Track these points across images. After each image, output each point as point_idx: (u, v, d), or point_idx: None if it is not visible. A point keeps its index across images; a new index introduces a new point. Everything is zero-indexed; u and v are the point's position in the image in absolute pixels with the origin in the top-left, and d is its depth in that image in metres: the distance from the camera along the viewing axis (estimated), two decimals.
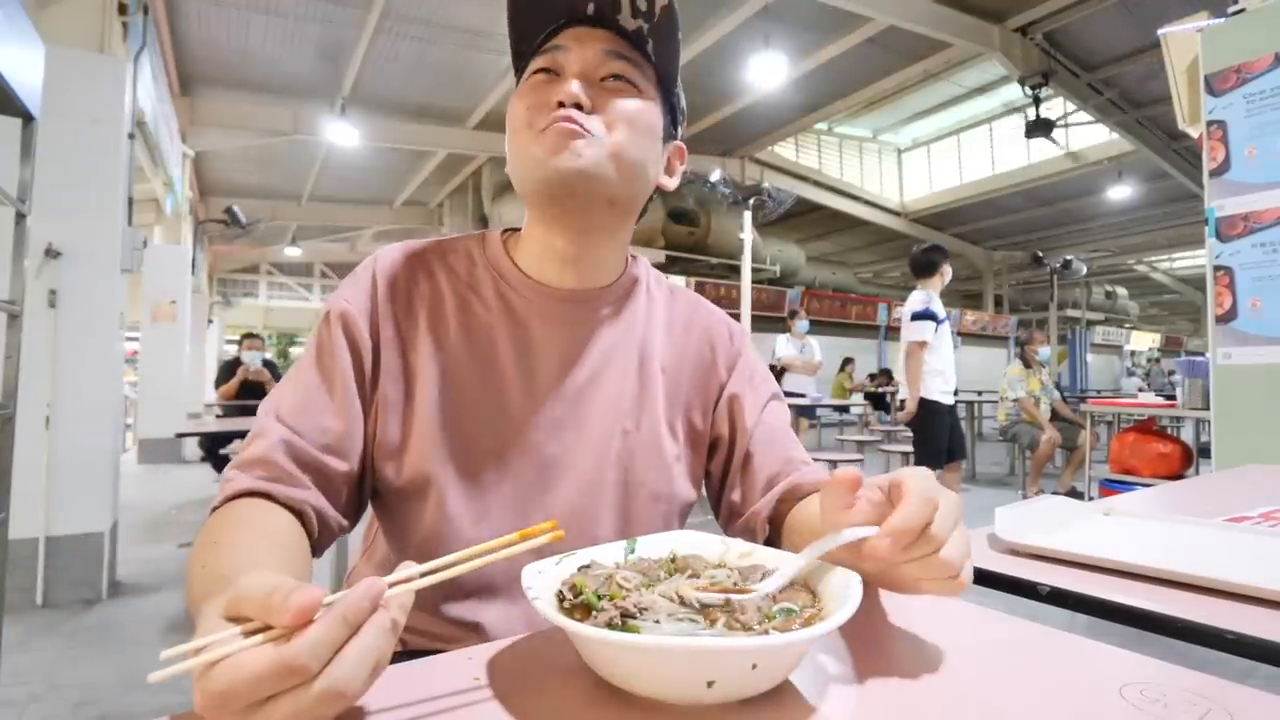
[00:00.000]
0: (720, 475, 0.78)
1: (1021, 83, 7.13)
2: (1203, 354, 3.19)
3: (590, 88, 0.64)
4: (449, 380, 0.67)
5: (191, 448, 6.94)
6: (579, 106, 0.63)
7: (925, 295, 3.85)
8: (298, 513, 0.59)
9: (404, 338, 0.68)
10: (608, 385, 0.71)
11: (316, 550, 0.61)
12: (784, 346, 6.14)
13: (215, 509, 0.57)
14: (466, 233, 0.78)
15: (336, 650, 0.32)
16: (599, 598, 0.43)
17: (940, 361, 3.87)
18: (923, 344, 3.80)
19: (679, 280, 8.19)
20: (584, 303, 0.72)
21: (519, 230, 0.76)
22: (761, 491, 0.73)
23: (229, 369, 5.13)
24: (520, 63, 0.70)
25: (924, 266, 3.90)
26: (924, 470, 0.46)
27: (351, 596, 0.34)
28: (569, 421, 0.69)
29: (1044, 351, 5.56)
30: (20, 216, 1.88)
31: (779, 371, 6.01)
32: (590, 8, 0.65)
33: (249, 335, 5.28)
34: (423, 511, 0.66)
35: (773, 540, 0.70)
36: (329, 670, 0.32)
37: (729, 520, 0.77)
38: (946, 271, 3.91)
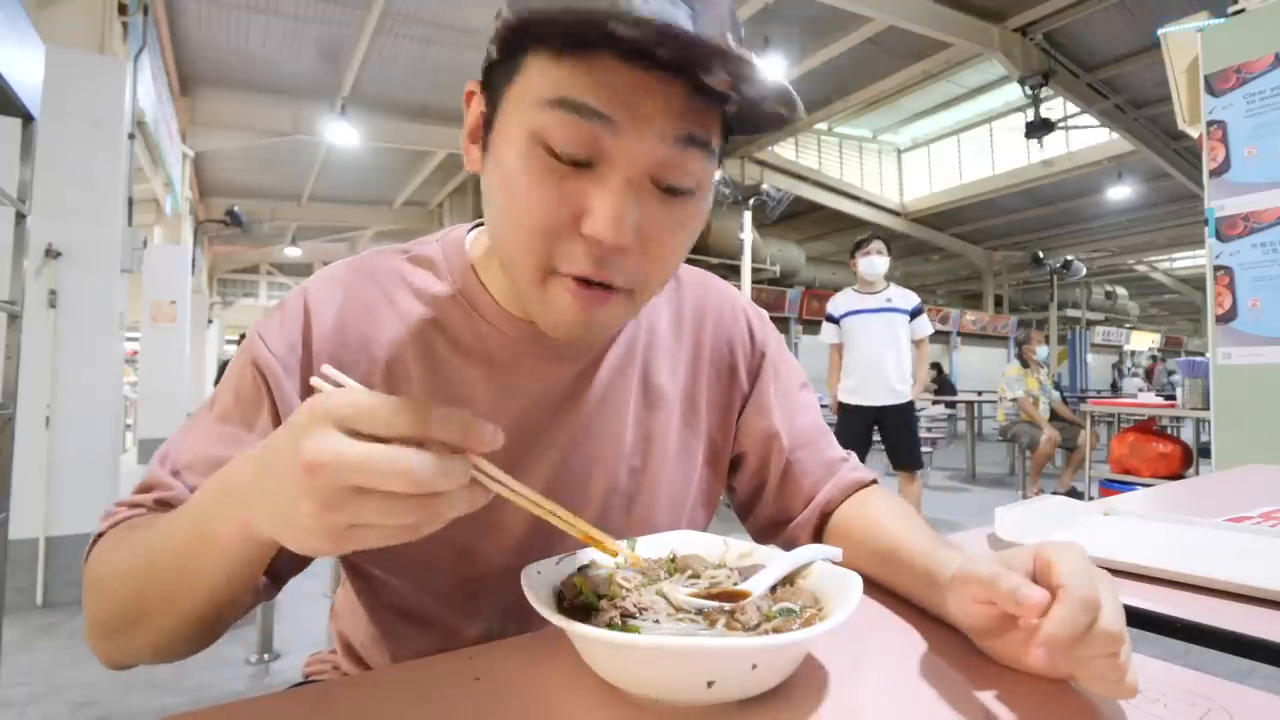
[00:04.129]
0: (752, 490, 0.70)
1: (1021, 83, 7.12)
2: (1203, 354, 3.18)
3: (638, 200, 0.45)
4: None
5: None
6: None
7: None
8: None
9: None
10: (608, 422, 0.61)
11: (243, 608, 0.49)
12: None
13: (100, 534, 0.49)
14: (419, 241, 0.63)
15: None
16: (599, 598, 0.43)
17: (849, 361, 3.72)
18: (831, 346, 3.83)
19: None
20: None
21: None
22: (804, 503, 0.67)
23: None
24: (513, 38, 0.44)
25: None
26: (1076, 546, 0.39)
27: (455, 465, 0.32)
28: (566, 470, 0.59)
29: (1041, 351, 5.56)
30: (20, 216, 1.88)
31: None
32: (666, 47, 0.40)
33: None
34: (402, 586, 0.59)
35: None
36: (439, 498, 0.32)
37: (765, 534, 0.70)
38: (859, 261, 3.72)
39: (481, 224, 0.64)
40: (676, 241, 0.49)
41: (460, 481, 0.32)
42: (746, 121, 0.48)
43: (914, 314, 3.70)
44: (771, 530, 0.70)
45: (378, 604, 0.63)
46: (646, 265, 0.48)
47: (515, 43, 0.45)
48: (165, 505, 0.50)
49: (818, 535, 0.66)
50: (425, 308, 0.57)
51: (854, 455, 0.72)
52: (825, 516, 0.66)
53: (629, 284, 0.48)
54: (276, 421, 0.53)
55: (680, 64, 0.42)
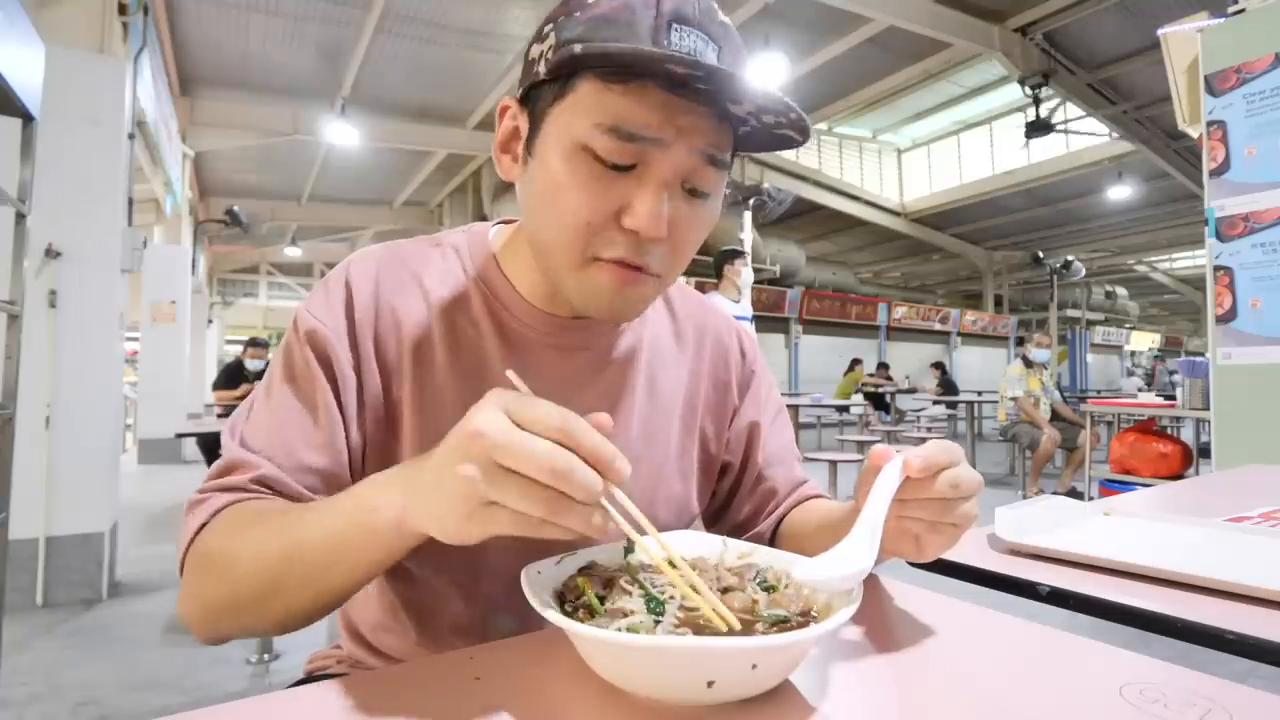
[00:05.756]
0: (726, 495, 0.76)
1: (1021, 83, 7.13)
2: (1203, 354, 3.18)
3: (669, 199, 0.51)
4: (438, 413, 0.59)
5: (191, 448, 6.93)
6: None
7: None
8: None
9: (386, 364, 0.59)
10: (613, 414, 0.65)
11: None
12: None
13: (202, 526, 0.51)
14: (447, 232, 0.68)
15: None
16: (601, 600, 0.43)
17: None
18: None
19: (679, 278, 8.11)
20: (588, 328, 0.64)
21: (511, 221, 0.68)
22: (768, 514, 0.73)
23: (231, 374, 5.06)
24: (567, 64, 0.49)
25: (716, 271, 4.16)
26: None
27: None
28: None
29: (1039, 354, 5.53)
30: (20, 216, 1.88)
31: None
32: (700, 82, 0.47)
33: (253, 344, 5.10)
34: (418, 566, 0.62)
35: None
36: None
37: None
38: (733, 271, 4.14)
39: (504, 223, 0.69)
40: (696, 236, 0.55)
41: (590, 490, 0.36)
42: (758, 143, 0.55)
43: None
44: (735, 534, 0.75)
45: (391, 587, 0.64)
46: (673, 254, 0.55)
47: (568, 68, 0.50)
48: (263, 484, 0.53)
49: (773, 539, 0.72)
50: (447, 289, 0.63)
51: (812, 478, 0.78)
52: (779, 522, 0.73)
53: (659, 269, 0.54)
54: (334, 388, 0.57)
55: (712, 94, 0.49)
